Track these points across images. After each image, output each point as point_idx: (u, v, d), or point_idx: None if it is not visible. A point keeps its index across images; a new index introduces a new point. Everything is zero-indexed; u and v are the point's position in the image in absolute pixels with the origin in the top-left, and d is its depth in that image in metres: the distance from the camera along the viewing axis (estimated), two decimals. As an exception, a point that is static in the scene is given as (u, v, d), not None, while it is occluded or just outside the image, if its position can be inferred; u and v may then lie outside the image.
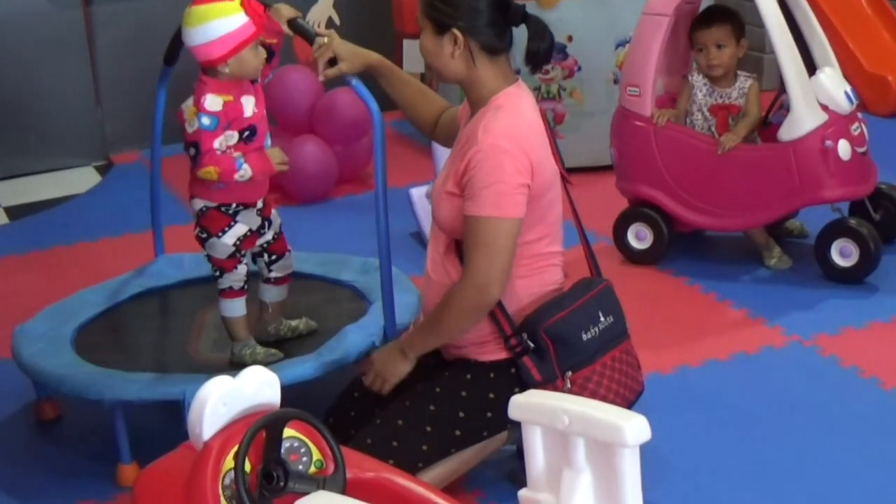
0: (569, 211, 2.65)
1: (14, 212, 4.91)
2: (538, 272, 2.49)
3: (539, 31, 2.48)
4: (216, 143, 2.67)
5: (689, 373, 3.28)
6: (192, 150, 2.69)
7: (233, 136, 2.71)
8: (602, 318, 2.51)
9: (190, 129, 2.68)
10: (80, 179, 5.24)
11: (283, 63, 4.92)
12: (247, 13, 2.64)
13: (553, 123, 4.81)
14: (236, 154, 2.71)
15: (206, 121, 2.66)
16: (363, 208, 4.02)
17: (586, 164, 4.56)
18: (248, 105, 2.73)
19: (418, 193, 4.05)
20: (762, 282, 3.82)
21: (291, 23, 2.79)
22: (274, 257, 2.93)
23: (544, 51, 2.48)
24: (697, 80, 3.83)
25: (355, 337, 2.88)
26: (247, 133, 2.73)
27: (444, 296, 2.45)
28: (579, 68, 4.73)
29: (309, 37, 2.78)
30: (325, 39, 2.72)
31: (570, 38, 4.70)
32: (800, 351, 3.37)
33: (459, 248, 2.47)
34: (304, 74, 4.85)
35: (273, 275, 2.95)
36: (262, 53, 2.72)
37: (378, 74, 2.77)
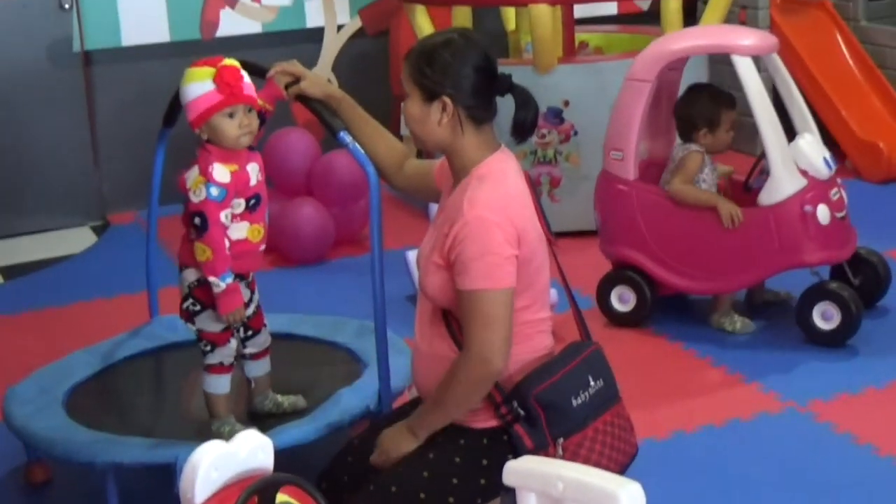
0: (556, 274, 2.64)
1: (9, 272, 4.91)
2: (526, 339, 2.47)
3: (525, 101, 2.47)
4: (223, 216, 2.64)
5: (684, 438, 3.26)
6: (198, 220, 2.63)
7: (240, 204, 2.68)
8: (592, 383, 2.49)
9: (196, 199, 2.63)
10: (77, 239, 5.25)
11: (281, 125, 5.00)
12: (214, 80, 2.61)
13: (549, 187, 4.83)
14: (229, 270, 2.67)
15: (214, 191, 2.62)
16: (359, 270, 4.02)
17: (583, 228, 4.57)
18: (254, 173, 2.71)
19: (414, 256, 4.05)
20: (747, 343, 3.83)
21: (289, 90, 2.78)
22: (250, 332, 2.87)
23: (531, 121, 2.47)
24: (706, 157, 3.86)
25: (350, 400, 2.86)
26: (253, 201, 2.71)
27: (446, 373, 2.42)
28: (576, 132, 4.76)
29: (311, 107, 2.78)
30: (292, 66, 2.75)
31: (566, 103, 4.74)
32: (795, 417, 3.35)
33: (446, 317, 2.46)
34: (302, 136, 4.88)
35: (249, 350, 2.88)
36: (248, 122, 2.65)
37: (339, 107, 2.77)
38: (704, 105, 3.84)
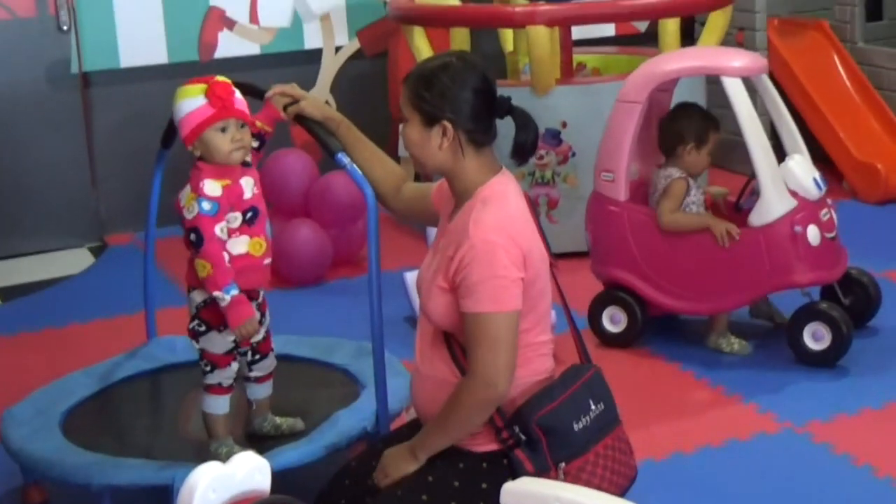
0: (556, 295, 2.64)
1: (7, 293, 4.90)
2: (528, 362, 2.47)
3: (525, 123, 2.47)
4: (217, 230, 2.64)
5: (682, 459, 3.25)
6: (193, 236, 2.64)
7: (236, 218, 2.69)
8: (593, 407, 2.48)
9: (189, 216, 2.64)
10: (74, 261, 5.24)
11: (279, 147, 5.01)
12: (206, 95, 2.64)
13: (547, 208, 4.84)
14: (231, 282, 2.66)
15: (206, 206, 2.63)
16: (357, 292, 4.01)
17: (581, 249, 4.53)
18: (248, 186, 2.72)
19: (412, 277, 4.06)
20: (743, 363, 3.83)
21: (288, 110, 2.79)
22: (258, 357, 2.88)
23: (531, 142, 2.47)
24: (691, 181, 3.87)
25: (347, 422, 2.86)
26: (249, 214, 2.71)
27: (450, 396, 2.42)
28: (573, 154, 4.77)
29: (309, 128, 2.79)
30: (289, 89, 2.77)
31: (564, 124, 4.75)
32: (793, 438, 3.35)
33: (448, 340, 2.46)
34: (300, 158, 4.88)
35: (254, 374, 2.89)
36: (240, 137, 2.67)
37: (337, 129, 2.78)
38: (694, 121, 3.86)
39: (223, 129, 2.65)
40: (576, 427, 2.43)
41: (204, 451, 2.79)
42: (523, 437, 2.39)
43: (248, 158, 2.76)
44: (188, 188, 2.68)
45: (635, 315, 3.94)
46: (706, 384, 3.72)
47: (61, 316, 4.52)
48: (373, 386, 2.82)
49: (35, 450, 2.86)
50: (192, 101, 2.65)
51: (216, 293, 2.65)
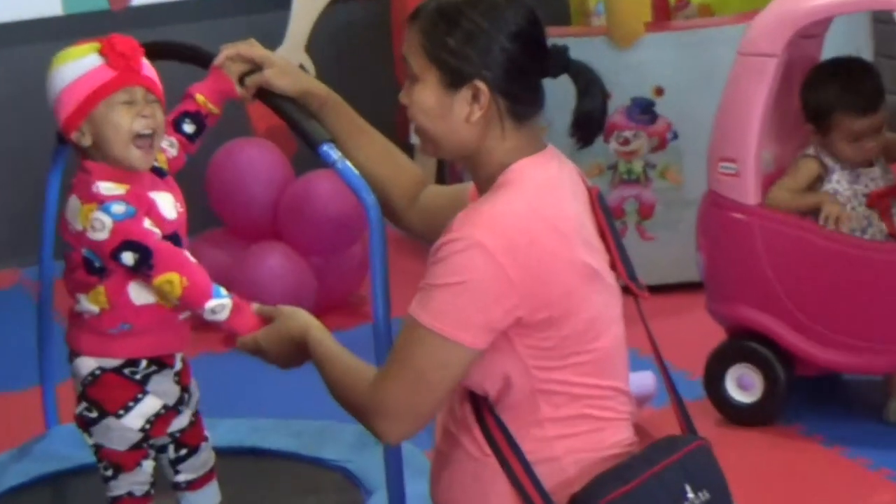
0: (648, 346, 2.65)
1: None
2: (589, 431, 2.49)
3: (589, 85, 2.48)
4: (148, 227, 2.63)
5: None
6: (128, 255, 2.60)
7: None
8: (691, 495, 2.49)
9: (99, 234, 2.62)
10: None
11: (233, 136, 5.03)
12: (101, 53, 2.65)
13: (638, 218, 4.85)
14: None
15: (118, 208, 2.62)
16: (354, 348, 4.03)
17: (692, 279, 4.53)
18: (166, 203, 2.73)
19: (436, 326, 4.08)
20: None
21: (246, 82, 2.81)
22: (184, 452, 2.89)
23: (598, 113, 2.48)
24: (831, 164, 3.91)
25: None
26: (170, 241, 2.71)
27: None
28: (675, 135, 4.80)
29: (279, 108, 2.80)
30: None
31: (658, 91, 4.77)
32: None
33: (478, 406, 2.48)
34: (264, 152, 4.92)
35: (183, 477, 2.90)
36: (152, 113, 2.67)
37: (320, 109, 2.80)
38: (854, 84, 3.91)
39: (128, 103, 2.66)
40: (661, 524, 2.45)
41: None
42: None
43: (163, 163, 2.76)
44: (75, 202, 2.67)
45: (776, 376, 3.94)
46: (887, 478, 3.71)
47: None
48: (383, 491, 2.82)
49: None
50: (77, 63, 2.66)
51: (210, 304, 2.66)
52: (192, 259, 2.68)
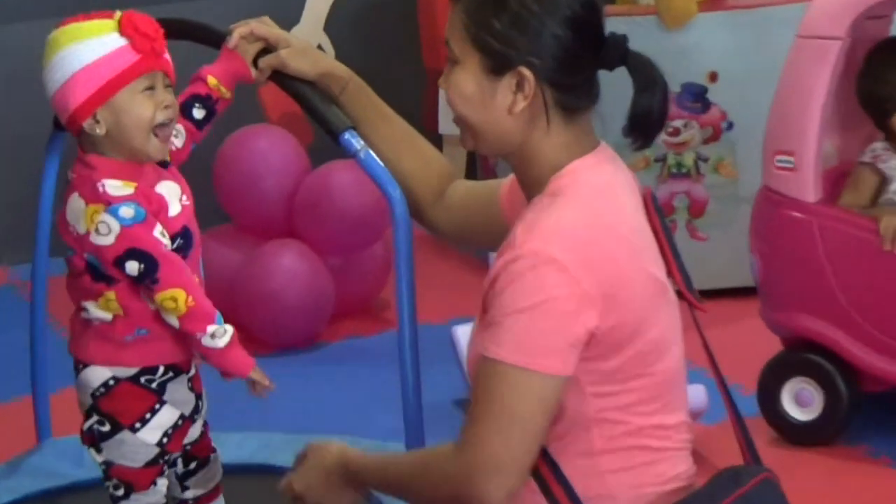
0: (702, 358, 2.65)
1: None
2: (646, 463, 2.51)
3: (649, 79, 2.48)
4: (157, 234, 2.65)
5: None
6: (133, 265, 2.62)
7: None
8: (755, 532, 2.54)
9: (105, 239, 2.64)
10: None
11: (244, 123, 5.03)
12: (122, 33, 2.63)
13: (688, 216, 4.89)
14: None
15: (127, 212, 2.63)
16: (374, 359, 4.10)
17: (746, 284, 4.59)
18: (173, 196, 2.74)
19: (466, 334, 4.10)
20: None
21: (260, 63, 2.85)
22: (194, 465, 2.92)
23: (658, 110, 2.49)
24: (888, 172, 3.95)
25: None
26: (179, 240, 2.74)
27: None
28: (729, 125, 4.86)
29: (296, 92, 2.83)
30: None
31: (712, 77, 4.83)
32: None
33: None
34: (279, 141, 4.96)
35: (191, 494, 2.93)
36: (171, 103, 2.68)
37: (341, 93, 2.84)
38: (885, 83, 3.97)
39: (149, 89, 2.67)
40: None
41: None
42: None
43: (167, 155, 2.78)
44: (78, 202, 2.68)
45: (837, 392, 3.97)
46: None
47: None
48: (402, 510, 2.87)
49: None
50: (97, 41, 2.64)
51: (212, 328, 2.69)
52: (195, 279, 2.72)
